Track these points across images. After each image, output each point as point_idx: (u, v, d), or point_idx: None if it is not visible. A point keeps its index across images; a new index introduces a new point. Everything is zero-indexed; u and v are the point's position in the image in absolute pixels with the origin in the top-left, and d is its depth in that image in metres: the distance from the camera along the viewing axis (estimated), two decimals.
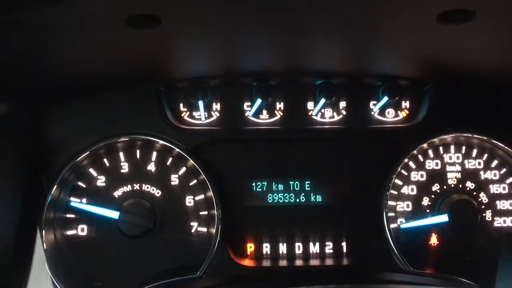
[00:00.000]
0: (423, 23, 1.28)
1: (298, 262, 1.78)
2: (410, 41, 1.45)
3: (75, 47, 1.35)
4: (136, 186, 1.77)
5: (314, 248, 1.80)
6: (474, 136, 1.79)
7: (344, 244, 1.80)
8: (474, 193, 1.80)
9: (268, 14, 1.23)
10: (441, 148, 1.83)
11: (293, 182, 1.82)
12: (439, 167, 1.82)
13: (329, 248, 1.80)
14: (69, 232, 1.75)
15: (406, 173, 1.81)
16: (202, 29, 1.31)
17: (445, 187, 1.80)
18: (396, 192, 1.80)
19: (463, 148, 1.83)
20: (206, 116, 1.81)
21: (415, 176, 1.81)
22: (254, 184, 1.81)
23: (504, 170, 1.81)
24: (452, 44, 1.45)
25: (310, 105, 1.83)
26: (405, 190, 1.81)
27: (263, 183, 1.81)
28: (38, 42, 1.27)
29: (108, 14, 1.16)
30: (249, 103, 1.82)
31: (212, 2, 1.14)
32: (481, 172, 1.82)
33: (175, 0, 1.12)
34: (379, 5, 1.18)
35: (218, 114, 1.82)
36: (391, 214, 1.79)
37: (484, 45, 1.44)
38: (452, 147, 1.83)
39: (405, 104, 1.84)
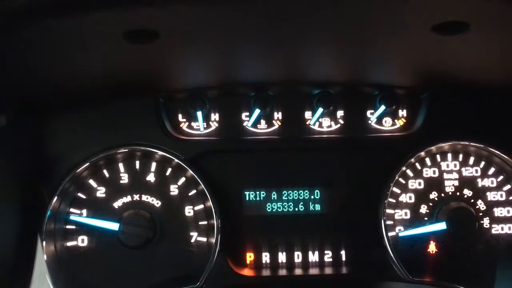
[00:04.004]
0: (418, 35, 1.30)
1: (298, 271, 1.79)
2: (406, 52, 1.47)
3: (74, 60, 1.37)
4: (136, 197, 1.78)
5: (313, 256, 1.81)
6: (471, 144, 1.80)
7: (343, 252, 1.81)
8: (472, 200, 1.81)
9: (266, 28, 1.25)
10: (438, 156, 1.84)
11: (291, 192, 1.83)
12: (436, 175, 1.83)
13: (328, 256, 1.81)
14: (70, 243, 1.76)
15: (404, 181, 1.82)
16: (199, 43, 1.33)
17: (442, 195, 1.81)
18: (394, 200, 1.81)
19: (460, 156, 1.84)
20: (205, 126, 1.82)
21: (413, 184, 1.83)
22: (253, 193, 1.82)
23: (501, 177, 1.82)
24: (448, 54, 1.46)
25: (308, 114, 1.85)
26: (403, 198, 1.82)
27: (262, 192, 1.83)
28: (37, 56, 1.29)
29: (106, 29, 1.17)
30: (247, 113, 1.83)
31: (209, 18, 1.16)
32: (478, 180, 1.83)
33: (173, 15, 1.14)
34: (375, 18, 1.20)
35: (216, 124, 1.83)
36: (389, 222, 1.80)
37: (479, 55, 1.45)
38: (449, 155, 1.84)
39: (402, 112, 1.85)
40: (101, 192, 1.78)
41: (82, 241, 1.77)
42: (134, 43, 1.25)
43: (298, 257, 1.81)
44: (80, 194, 1.78)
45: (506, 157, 1.77)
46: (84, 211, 1.77)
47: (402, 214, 1.82)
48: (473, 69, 1.59)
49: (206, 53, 1.45)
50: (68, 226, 1.77)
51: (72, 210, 1.77)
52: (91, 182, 1.78)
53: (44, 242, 1.69)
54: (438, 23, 1.21)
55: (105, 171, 1.79)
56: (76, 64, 1.40)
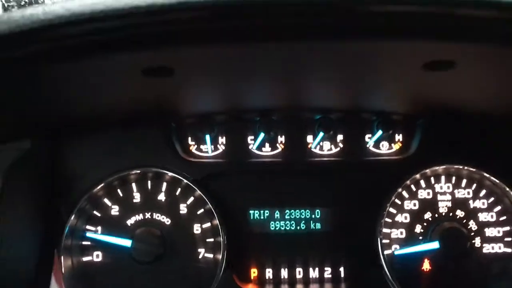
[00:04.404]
0: (410, 71, 1.42)
1: (299, 287, 1.89)
2: (400, 85, 1.59)
3: (92, 93, 1.50)
4: (148, 215, 1.89)
5: (313, 273, 1.92)
6: (464, 167, 1.91)
7: (342, 269, 1.92)
8: (464, 221, 1.91)
9: (275, 66, 1.38)
10: (432, 178, 1.94)
11: (293, 211, 1.94)
12: (430, 196, 1.93)
13: (327, 273, 1.92)
14: (86, 259, 1.88)
15: (399, 202, 1.93)
16: (211, 77, 1.46)
17: (436, 215, 1.91)
18: (390, 220, 1.92)
19: (453, 178, 1.94)
20: (213, 149, 1.94)
21: (408, 205, 1.93)
22: (257, 212, 1.94)
23: (492, 199, 1.93)
24: (440, 86, 1.58)
25: (309, 138, 1.96)
26: (399, 218, 1.92)
27: (265, 211, 1.94)
28: (59, 90, 1.41)
29: (126, 67, 1.30)
30: (252, 137, 1.95)
31: (222, 57, 1.28)
32: (470, 201, 1.93)
33: (188, 55, 1.26)
34: (371, 60, 1.33)
35: (224, 147, 1.95)
36: (385, 241, 1.90)
37: (468, 88, 1.57)
38: (443, 178, 1.94)
39: (398, 137, 1.96)
40: (115, 210, 1.90)
41: (97, 256, 1.88)
42: (150, 77, 1.38)
43: (299, 273, 1.92)
44: (95, 212, 1.89)
45: (497, 180, 1.88)
46: (99, 228, 1.89)
47: (398, 233, 1.92)
48: (465, 99, 1.70)
49: (217, 85, 1.58)
50: (84, 242, 1.88)
51: (88, 227, 1.88)
52: (106, 201, 1.90)
53: (62, 257, 1.81)
54: (427, 62, 1.33)
55: (119, 191, 1.90)
56: (94, 96, 1.52)
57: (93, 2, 1.09)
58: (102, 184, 1.85)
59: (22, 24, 1.09)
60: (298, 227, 1.93)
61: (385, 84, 1.60)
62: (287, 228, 1.93)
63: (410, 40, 1.17)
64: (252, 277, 1.92)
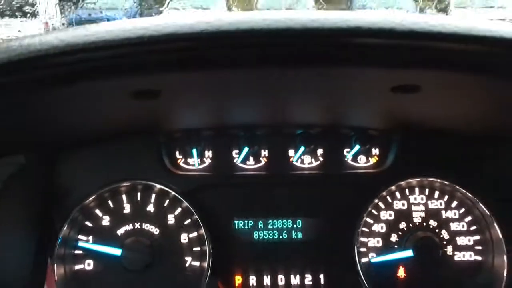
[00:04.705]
0: (381, 94, 1.54)
1: None
2: (374, 105, 1.72)
3: (81, 113, 1.60)
4: (137, 225, 1.99)
5: (295, 280, 2.02)
6: (437, 180, 2.02)
7: (321, 276, 2.02)
8: (437, 230, 2.02)
9: (261, 89, 1.50)
10: (407, 190, 2.05)
11: (276, 221, 2.04)
12: (405, 207, 2.04)
13: (308, 280, 2.02)
14: (77, 267, 1.97)
15: (376, 213, 2.04)
16: (198, 98, 1.57)
17: (411, 225, 2.02)
18: (367, 230, 2.02)
19: (427, 190, 2.05)
20: (199, 162, 2.04)
21: (384, 215, 2.04)
22: (241, 222, 2.03)
23: (462, 209, 2.04)
24: (410, 106, 1.71)
25: (291, 152, 2.06)
26: (376, 227, 2.03)
27: (249, 221, 2.04)
28: (50, 110, 1.51)
29: (114, 91, 1.41)
30: (237, 151, 2.05)
31: (208, 82, 1.40)
32: (443, 212, 2.04)
33: (174, 80, 1.37)
34: (343, 82, 1.45)
35: (210, 161, 2.05)
36: (363, 249, 2.01)
37: (435, 108, 1.69)
38: (417, 189, 2.05)
39: (375, 151, 2.07)
40: (106, 220, 1.99)
41: (89, 264, 1.97)
42: (138, 99, 1.48)
43: (281, 280, 2.02)
44: (87, 223, 1.98)
45: (466, 192, 1.99)
46: (91, 238, 1.98)
47: (375, 242, 2.03)
48: (433, 118, 1.82)
49: (203, 104, 1.69)
50: (76, 251, 1.97)
51: (80, 236, 1.97)
52: (98, 212, 1.99)
53: (55, 265, 1.90)
54: (395, 85, 1.45)
55: (110, 202, 2.00)
56: (85, 116, 1.63)
57: (86, 34, 1.20)
58: (94, 196, 1.95)
59: (20, 53, 1.20)
60: (281, 237, 2.03)
61: (359, 104, 1.72)
62: (270, 237, 2.03)
63: (376, 68, 1.29)
64: (236, 284, 2.01)
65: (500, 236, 1.95)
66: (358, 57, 1.24)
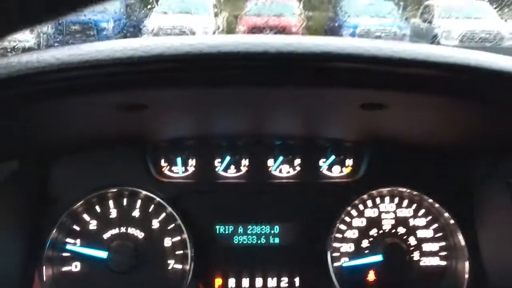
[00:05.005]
0: (351, 110, 1.68)
1: None
2: (347, 120, 1.86)
3: (69, 124, 1.71)
4: (123, 229, 2.09)
5: (272, 282, 2.14)
6: (406, 190, 2.16)
7: (296, 279, 2.14)
8: (405, 237, 2.16)
9: (237, 103, 1.63)
10: (378, 199, 2.19)
11: (255, 227, 2.16)
12: (376, 214, 2.18)
13: (284, 282, 2.14)
14: (65, 269, 2.06)
15: (349, 219, 2.17)
16: (182, 111, 1.69)
17: (381, 231, 2.16)
18: (340, 236, 2.15)
19: (396, 199, 2.19)
20: (183, 170, 2.15)
21: (356, 222, 2.17)
22: (222, 227, 2.15)
23: (429, 217, 2.18)
24: (379, 122, 1.85)
25: (270, 161, 2.19)
26: (348, 234, 2.16)
27: (230, 227, 2.15)
28: (38, 122, 1.62)
29: (103, 105, 1.52)
30: (219, 160, 2.17)
31: (191, 97, 1.52)
32: (411, 219, 2.18)
33: (161, 95, 1.49)
34: (316, 100, 1.58)
35: (193, 169, 2.16)
36: (336, 254, 2.13)
37: (402, 124, 1.84)
38: (387, 198, 2.19)
39: (349, 162, 2.21)
40: (93, 225, 2.09)
41: (76, 266, 2.06)
42: (126, 112, 1.60)
43: (259, 282, 2.14)
44: (75, 226, 2.08)
45: (432, 201, 2.14)
46: (78, 241, 2.07)
47: (347, 247, 2.16)
48: (401, 133, 1.97)
49: (187, 117, 1.81)
50: (64, 254, 2.06)
51: (68, 240, 2.07)
52: (85, 216, 2.09)
53: (44, 267, 1.99)
54: (364, 103, 1.58)
55: (97, 207, 2.09)
56: (75, 125, 1.74)
57: (80, 53, 1.32)
58: (82, 201, 2.05)
59: (19, 69, 1.31)
60: (259, 241, 2.15)
61: (333, 118, 1.86)
62: (249, 242, 2.15)
63: (344, 88, 1.43)
64: (216, 286, 2.12)
65: (463, 243, 2.10)
66: (328, 78, 1.38)
